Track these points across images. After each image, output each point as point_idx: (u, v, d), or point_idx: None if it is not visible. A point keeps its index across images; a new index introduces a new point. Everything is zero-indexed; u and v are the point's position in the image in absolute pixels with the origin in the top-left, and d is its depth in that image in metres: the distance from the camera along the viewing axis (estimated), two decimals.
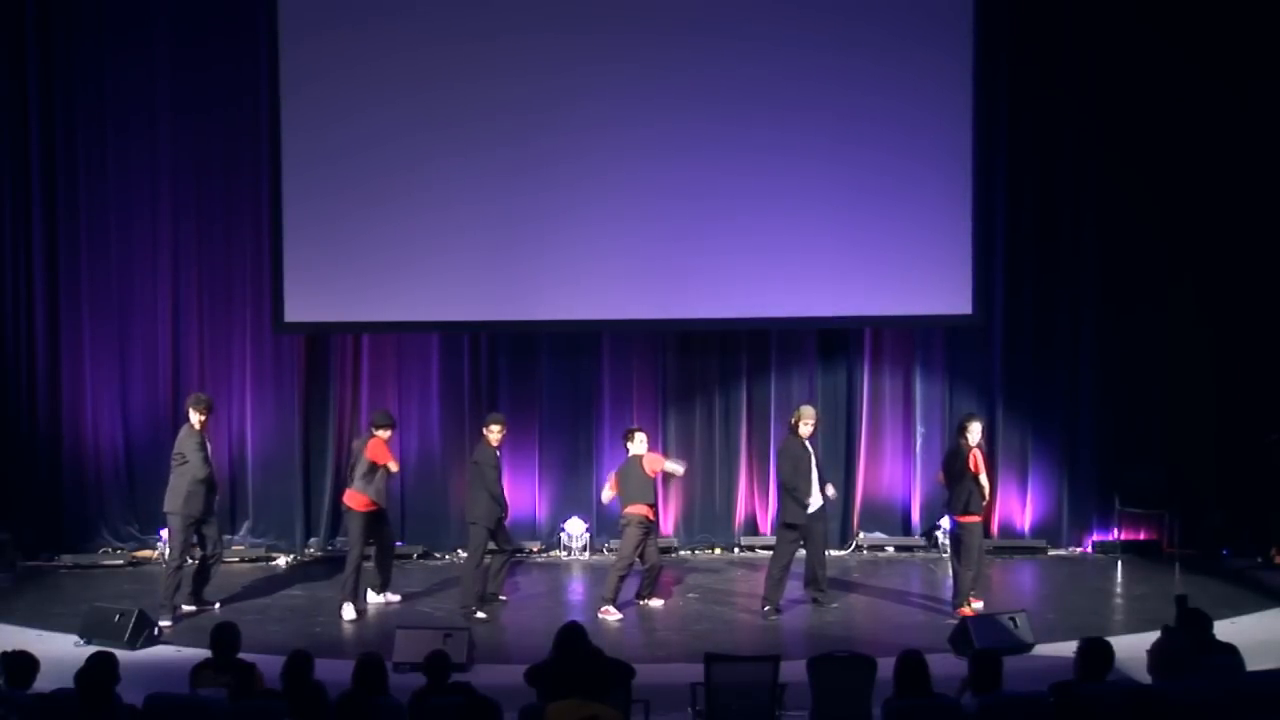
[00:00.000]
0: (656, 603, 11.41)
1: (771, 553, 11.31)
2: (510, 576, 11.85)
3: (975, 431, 10.93)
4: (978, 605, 10.95)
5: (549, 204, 12.66)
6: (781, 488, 11.24)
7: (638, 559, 11.20)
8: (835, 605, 11.30)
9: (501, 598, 11.47)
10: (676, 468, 11.75)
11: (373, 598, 11.51)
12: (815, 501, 11.05)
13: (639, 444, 11.31)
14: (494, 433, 11.25)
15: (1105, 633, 8.16)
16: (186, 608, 11.16)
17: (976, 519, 10.94)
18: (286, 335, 13.08)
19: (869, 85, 12.64)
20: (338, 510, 13.09)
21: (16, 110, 12.84)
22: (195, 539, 11.21)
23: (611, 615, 11.00)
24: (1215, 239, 13.07)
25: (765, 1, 12.65)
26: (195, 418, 11.16)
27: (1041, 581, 12.43)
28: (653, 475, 11.30)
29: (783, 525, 11.18)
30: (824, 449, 13.17)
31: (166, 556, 11.43)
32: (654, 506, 11.40)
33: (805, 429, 11.09)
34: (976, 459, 10.90)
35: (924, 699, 7.04)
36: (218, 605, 11.34)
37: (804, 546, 11.25)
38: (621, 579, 11.14)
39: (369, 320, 12.97)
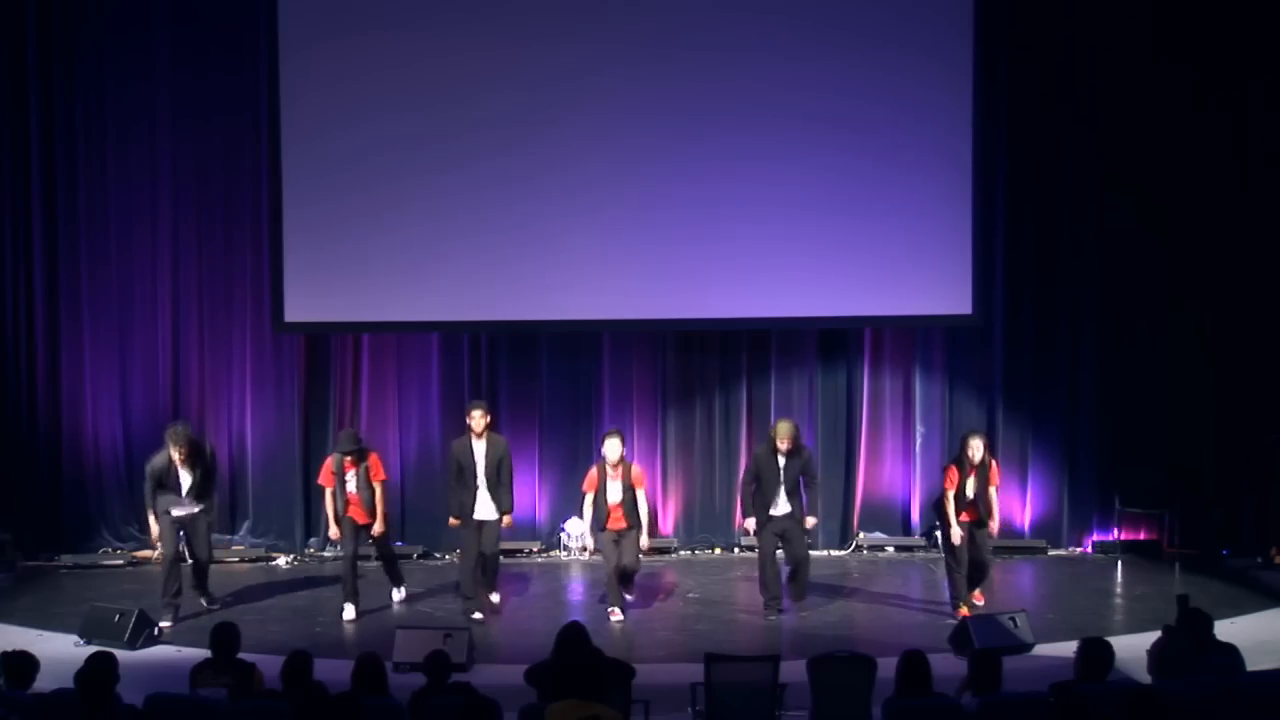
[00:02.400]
0: (628, 597, 11.36)
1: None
2: (506, 577, 11.85)
3: (972, 449, 10.82)
4: (978, 603, 10.96)
5: (549, 204, 12.66)
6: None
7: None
8: (804, 614, 11.14)
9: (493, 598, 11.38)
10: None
11: (396, 596, 11.59)
12: (780, 509, 11.04)
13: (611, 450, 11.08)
14: (472, 419, 11.12)
15: (1105, 633, 8.17)
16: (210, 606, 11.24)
17: (961, 519, 10.89)
18: (286, 335, 13.09)
19: (869, 86, 12.64)
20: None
21: (17, 113, 12.84)
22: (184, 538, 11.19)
23: (615, 615, 11.00)
24: (1216, 236, 13.06)
25: (766, 6, 12.65)
26: (174, 453, 11.01)
27: (1041, 581, 12.43)
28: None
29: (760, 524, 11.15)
30: (824, 449, 13.27)
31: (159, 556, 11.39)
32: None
33: (782, 445, 10.97)
34: (951, 475, 10.87)
35: (924, 699, 7.05)
36: (216, 605, 11.34)
37: (783, 548, 11.23)
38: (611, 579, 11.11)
39: (369, 320, 12.98)
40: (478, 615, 10.94)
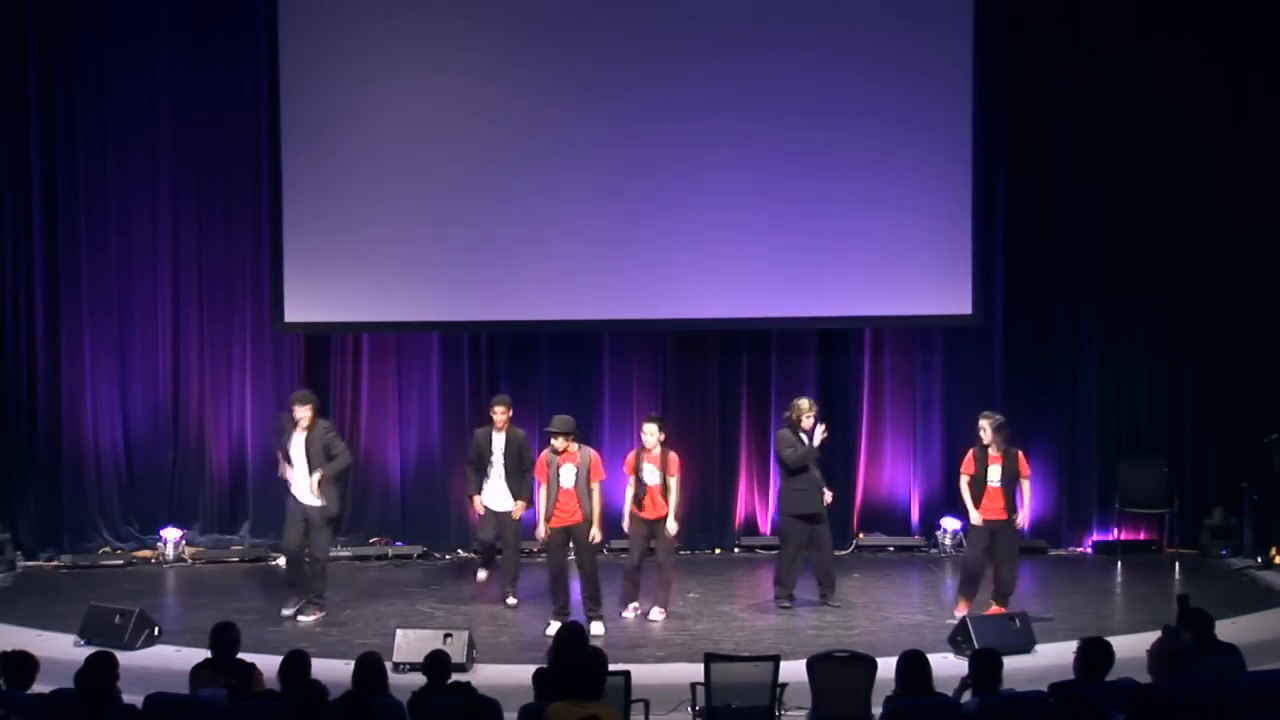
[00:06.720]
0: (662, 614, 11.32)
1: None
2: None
3: (981, 430, 10.84)
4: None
5: (549, 204, 12.67)
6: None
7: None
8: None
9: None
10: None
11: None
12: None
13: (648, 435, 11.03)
14: (495, 414, 11.48)
15: (1105, 633, 8.15)
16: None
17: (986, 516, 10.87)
18: (286, 335, 13.09)
19: (869, 85, 12.66)
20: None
21: (17, 112, 12.83)
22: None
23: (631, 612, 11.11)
24: (1216, 235, 13.07)
25: (767, 9, 12.65)
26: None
27: (1041, 581, 12.40)
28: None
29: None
30: (824, 449, 13.26)
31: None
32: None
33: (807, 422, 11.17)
34: (967, 461, 10.91)
35: (924, 699, 7.05)
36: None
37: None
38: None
39: (369, 320, 12.98)
40: (511, 600, 11.41)
